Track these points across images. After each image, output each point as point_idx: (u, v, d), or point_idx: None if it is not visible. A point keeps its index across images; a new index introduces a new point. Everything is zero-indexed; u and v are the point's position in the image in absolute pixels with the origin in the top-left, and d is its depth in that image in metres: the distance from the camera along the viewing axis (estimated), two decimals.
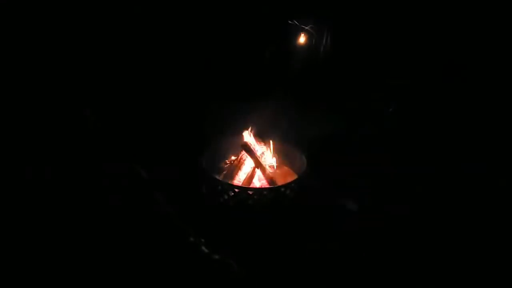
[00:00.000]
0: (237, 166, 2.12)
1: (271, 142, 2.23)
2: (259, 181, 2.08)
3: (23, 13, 2.36)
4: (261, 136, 2.23)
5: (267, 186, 2.02)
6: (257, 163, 2.07)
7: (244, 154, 2.12)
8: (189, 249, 1.70)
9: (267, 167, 2.11)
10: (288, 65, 2.76)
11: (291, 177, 2.13)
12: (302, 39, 2.70)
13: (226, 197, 1.91)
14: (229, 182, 2.03)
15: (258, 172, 2.08)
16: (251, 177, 2.06)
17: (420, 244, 1.78)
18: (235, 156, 2.19)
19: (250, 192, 1.89)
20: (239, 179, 2.09)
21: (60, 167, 2.14)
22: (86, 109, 2.54)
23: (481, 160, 2.33)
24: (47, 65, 2.48)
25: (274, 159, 2.20)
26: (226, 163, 2.20)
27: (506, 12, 2.45)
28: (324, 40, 2.69)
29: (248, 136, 2.16)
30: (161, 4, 2.59)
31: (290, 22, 2.64)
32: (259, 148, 2.17)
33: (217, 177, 2.03)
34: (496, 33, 2.50)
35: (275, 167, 2.18)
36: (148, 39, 2.64)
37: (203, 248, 1.68)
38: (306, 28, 2.66)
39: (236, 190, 1.88)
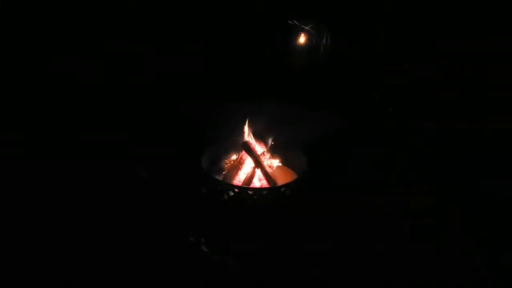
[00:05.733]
0: (237, 166, 2.12)
1: (270, 141, 2.23)
2: (259, 181, 2.08)
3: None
4: (261, 136, 2.23)
5: (267, 186, 2.03)
6: (257, 163, 2.07)
7: (244, 154, 2.12)
8: (189, 249, 1.70)
9: (267, 167, 2.11)
10: (288, 65, 2.76)
11: (291, 177, 2.13)
12: (302, 39, 2.70)
13: (226, 197, 1.91)
14: (229, 182, 2.03)
15: (258, 172, 2.08)
16: (251, 177, 2.06)
17: (418, 246, 1.78)
18: (235, 156, 2.20)
19: (250, 192, 1.89)
20: (239, 179, 2.09)
21: (60, 167, 2.15)
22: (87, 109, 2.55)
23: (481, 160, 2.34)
24: (48, 63, 2.49)
25: (274, 159, 2.20)
26: (226, 163, 2.21)
27: (505, 12, 2.45)
28: (324, 40, 2.69)
29: (248, 136, 2.17)
30: (163, 3, 2.59)
31: (290, 22, 2.64)
32: (259, 148, 2.17)
33: (217, 177, 2.03)
34: (495, 32, 2.50)
35: (275, 167, 2.18)
36: (150, 39, 2.64)
37: (203, 248, 1.69)
38: (306, 28, 2.67)
39: (236, 190, 1.88)
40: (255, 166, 2.08)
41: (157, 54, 2.68)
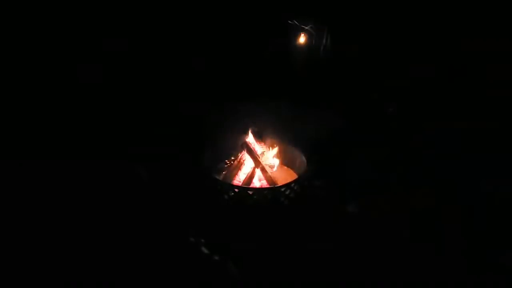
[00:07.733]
0: (237, 166, 2.12)
1: (270, 142, 2.23)
2: (259, 181, 2.08)
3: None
4: (261, 136, 2.23)
5: (267, 186, 2.03)
6: (257, 163, 2.07)
7: (244, 154, 2.12)
8: (189, 249, 1.70)
9: (267, 167, 2.11)
10: (288, 65, 2.76)
11: (291, 177, 2.13)
12: (302, 39, 2.70)
13: (226, 197, 1.91)
14: (229, 182, 2.03)
15: (258, 172, 2.08)
16: (251, 177, 2.06)
17: (418, 246, 1.78)
18: (235, 156, 2.20)
19: (250, 192, 1.89)
20: (239, 179, 2.09)
21: (60, 167, 2.15)
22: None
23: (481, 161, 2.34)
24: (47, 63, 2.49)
25: (274, 159, 2.20)
26: (226, 163, 2.20)
27: (505, 12, 2.45)
28: (324, 40, 2.69)
29: (248, 136, 2.17)
30: (162, 3, 2.59)
31: (290, 22, 2.64)
32: (259, 148, 2.17)
33: (217, 177, 2.03)
34: (495, 32, 2.50)
35: (275, 167, 2.18)
36: (150, 39, 2.64)
37: (203, 248, 1.69)
38: (306, 28, 2.66)
39: (236, 190, 1.88)
40: (255, 166, 2.08)
41: (157, 54, 2.68)
